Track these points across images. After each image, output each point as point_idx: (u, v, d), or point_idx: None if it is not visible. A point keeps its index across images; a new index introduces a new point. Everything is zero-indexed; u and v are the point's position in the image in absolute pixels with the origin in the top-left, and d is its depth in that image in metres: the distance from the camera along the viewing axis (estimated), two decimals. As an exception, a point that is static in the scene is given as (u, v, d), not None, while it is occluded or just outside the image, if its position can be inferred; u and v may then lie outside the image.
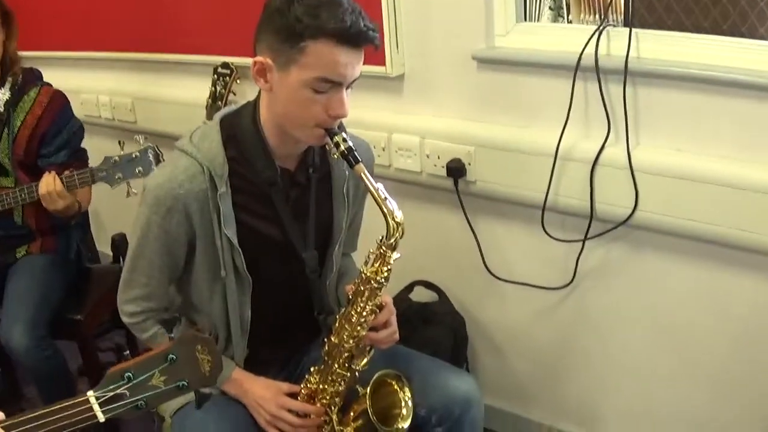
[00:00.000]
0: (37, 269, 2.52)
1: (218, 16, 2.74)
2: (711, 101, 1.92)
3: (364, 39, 1.53)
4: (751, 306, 2.02)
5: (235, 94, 2.69)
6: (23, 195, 2.34)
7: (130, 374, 1.30)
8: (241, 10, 2.54)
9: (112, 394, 1.29)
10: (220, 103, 2.67)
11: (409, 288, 2.57)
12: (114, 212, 2.78)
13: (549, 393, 2.53)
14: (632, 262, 2.18)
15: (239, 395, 1.82)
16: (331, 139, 1.60)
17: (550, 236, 2.22)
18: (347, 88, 1.59)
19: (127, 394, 1.30)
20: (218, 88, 2.69)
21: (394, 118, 2.41)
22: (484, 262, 2.40)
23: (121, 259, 2.92)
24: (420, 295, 2.56)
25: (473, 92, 2.29)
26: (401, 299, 2.52)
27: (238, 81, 2.69)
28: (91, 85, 3.32)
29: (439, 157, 2.34)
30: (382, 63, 2.30)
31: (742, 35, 2.05)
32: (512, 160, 2.23)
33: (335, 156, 1.62)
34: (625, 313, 2.26)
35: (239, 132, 1.68)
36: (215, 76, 2.72)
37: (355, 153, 1.60)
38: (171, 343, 1.33)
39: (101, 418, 1.30)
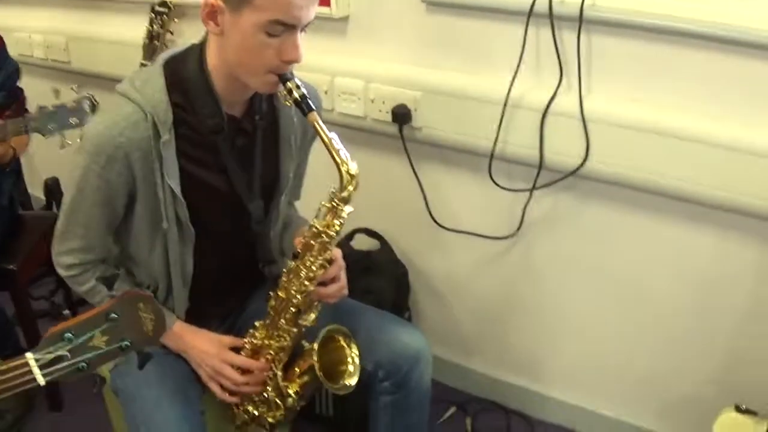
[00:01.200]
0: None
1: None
2: (667, 51, 1.91)
3: None
4: (706, 259, 2.04)
5: (172, 34, 2.58)
6: None
7: (70, 335, 1.24)
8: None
9: (52, 356, 1.23)
10: (156, 42, 2.57)
11: (350, 236, 2.53)
12: (47, 156, 2.66)
13: (493, 344, 2.54)
14: (581, 213, 2.18)
15: (180, 349, 1.77)
16: (284, 85, 1.54)
17: (497, 185, 2.21)
18: (301, 32, 1.52)
19: (68, 355, 1.24)
20: (155, 27, 2.59)
21: (337, 61, 2.34)
22: (428, 210, 2.37)
23: (55, 205, 2.82)
24: (361, 243, 2.53)
25: (421, 35, 2.23)
26: (342, 246, 2.48)
27: (175, 20, 2.58)
28: (23, 23, 3.16)
29: (384, 102, 2.29)
30: (327, 3, 2.22)
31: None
32: (460, 107, 2.19)
33: (288, 103, 1.56)
34: (572, 264, 2.27)
35: (184, 77, 1.59)
36: (152, 14, 2.60)
37: (309, 101, 1.54)
38: (112, 301, 1.27)
39: (41, 381, 1.24)
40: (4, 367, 1.22)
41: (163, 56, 1.65)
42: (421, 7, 2.19)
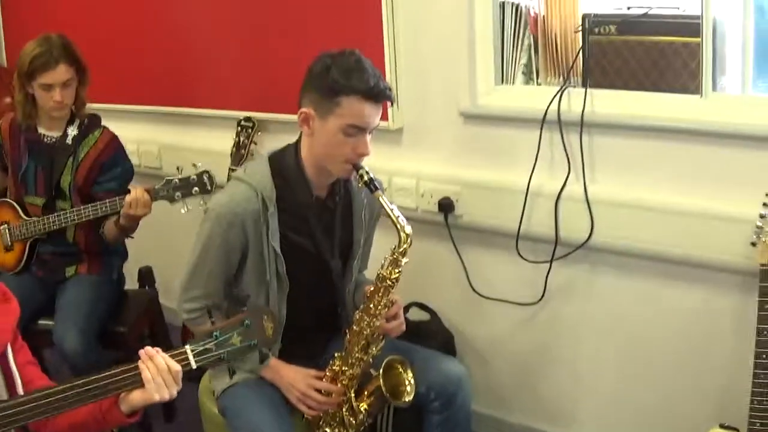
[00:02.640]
0: (86, 285, 3.00)
1: (241, 75, 3.33)
2: (652, 145, 2.52)
3: (383, 96, 2.12)
4: (693, 311, 2.58)
5: (256, 144, 3.26)
6: (104, 208, 2.79)
7: (216, 334, 1.82)
8: (261, 70, 3.15)
9: (202, 348, 1.81)
10: (243, 151, 3.24)
11: (406, 309, 3.10)
12: (141, 246, 3.27)
13: (527, 396, 3.05)
14: (592, 278, 2.75)
15: (274, 379, 2.32)
16: (357, 171, 2.17)
17: (524, 258, 2.79)
18: (369, 133, 2.16)
19: (213, 348, 1.82)
20: (241, 139, 3.26)
21: (394, 164, 2.97)
22: (470, 283, 2.95)
23: (147, 288, 3.40)
24: (414, 315, 3.10)
25: (460, 142, 2.88)
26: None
27: (259, 133, 3.27)
28: (125, 134, 3.84)
29: (432, 196, 2.91)
30: (385, 118, 2.87)
31: (675, 91, 2.65)
32: (492, 197, 2.80)
33: (360, 185, 2.19)
34: (588, 322, 2.81)
35: (284, 166, 2.24)
36: (239, 128, 3.29)
37: (375, 182, 2.17)
38: (246, 313, 1.86)
39: (194, 365, 1.81)
40: (169, 353, 1.81)
41: (266, 153, 2.30)
42: (460, 120, 2.85)
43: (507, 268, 2.89)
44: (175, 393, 1.79)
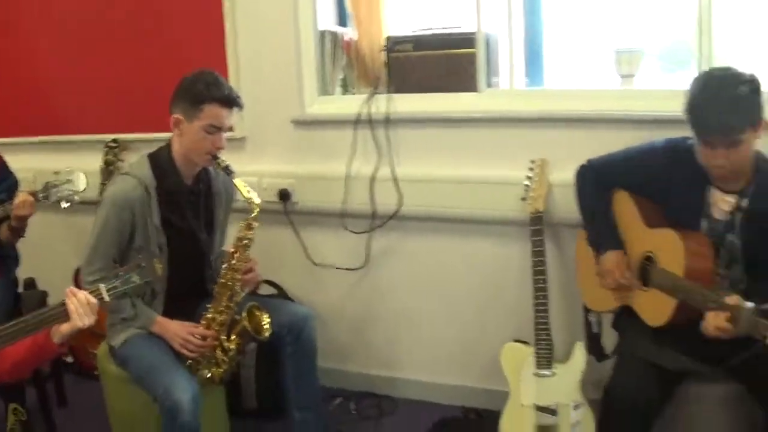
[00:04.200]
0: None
1: (104, 101, 3.97)
2: (443, 132, 3.41)
3: (235, 103, 2.88)
4: (486, 257, 3.46)
5: (122, 161, 3.93)
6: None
7: (120, 273, 2.49)
8: (122, 95, 3.85)
9: (111, 285, 2.46)
10: (111, 168, 3.89)
11: (257, 287, 3.82)
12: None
13: (361, 348, 3.82)
14: (404, 241, 3.58)
15: (161, 332, 2.93)
16: (216, 160, 2.93)
17: (350, 231, 3.59)
18: (224, 132, 2.93)
19: (119, 285, 2.44)
20: (109, 158, 3.92)
21: (240, 167, 3.52)
22: (308, 257, 3.72)
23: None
24: (265, 290, 3.81)
25: (292, 143, 3.66)
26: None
27: (124, 151, 3.95)
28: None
29: (272, 189, 3.66)
30: (232, 130, 3.62)
31: (462, 90, 3.52)
32: (320, 185, 3.60)
33: (219, 170, 2.94)
34: (405, 278, 3.63)
35: (160, 162, 2.92)
36: (106, 149, 3.94)
37: (230, 168, 2.93)
38: (141, 259, 2.56)
39: (106, 298, 2.44)
40: (88, 293, 2.46)
41: (145, 153, 3.01)
42: (291, 126, 3.65)
43: (337, 241, 3.67)
44: (93, 321, 2.42)
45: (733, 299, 2.36)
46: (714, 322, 2.37)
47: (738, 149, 2.49)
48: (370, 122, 3.47)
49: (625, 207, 2.86)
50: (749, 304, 2.29)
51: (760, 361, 2.45)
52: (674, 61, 3.52)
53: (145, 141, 3.60)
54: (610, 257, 2.82)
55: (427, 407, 3.67)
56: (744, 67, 2.50)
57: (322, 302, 3.77)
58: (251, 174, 3.61)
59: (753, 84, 2.49)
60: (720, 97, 2.48)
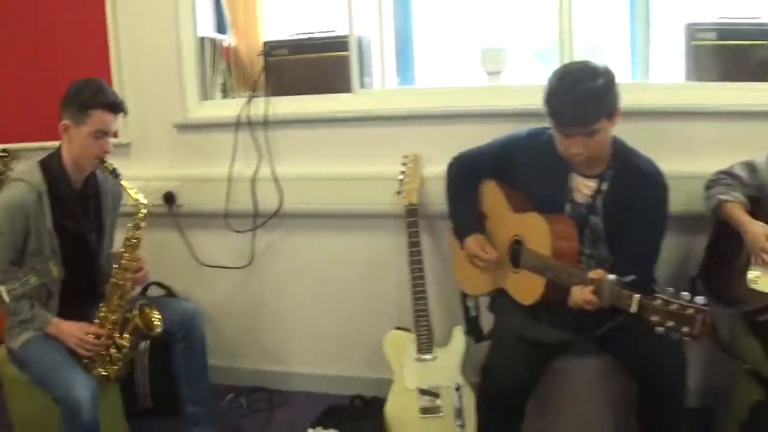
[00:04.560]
0: None
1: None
2: (321, 132, 3.86)
3: (121, 109, 3.24)
4: (366, 249, 3.91)
5: (12, 170, 4.20)
6: None
7: (20, 276, 2.87)
8: (8, 106, 4.13)
9: (12, 287, 2.84)
10: (2, 177, 4.16)
11: (146, 288, 4.17)
12: None
13: (250, 344, 4.21)
14: (287, 238, 3.99)
15: (57, 333, 3.23)
16: (103, 164, 3.29)
17: (234, 230, 4.00)
18: (110, 137, 3.29)
19: (19, 287, 2.85)
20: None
21: (126, 171, 3.88)
22: (194, 257, 4.11)
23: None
24: (154, 291, 4.15)
25: (176, 147, 4.03)
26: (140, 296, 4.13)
27: (13, 160, 4.25)
28: None
29: (157, 192, 4.02)
30: (116, 136, 3.96)
31: (338, 91, 3.95)
32: (204, 186, 3.97)
33: (106, 173, 3.30)
34: (289, 274, 4.05)
35: (51, 167, 3.25)
36: (-5, 158, 4.24)
37: (117, 171, 3.29)
38: (37, 261, 2.92)
39: (6, 299, 2.83)
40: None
41: (36, 160, 3.33)
42: (174, 130, 4.02)
43: (222, 241, 4.07)
44: None
45: (597, 273, 2.77)
46: (580, 295, 2.79)
47: (594, 138, 2.88)
48: (250, 124, 3.89)
49: (493, 195, 3.30)
50: (612, 277, 2.70)
51: (627, 330, 2.88)
52: (550, 59, 3.96)
53: (34, 150, 3.85)
54: (471, 241, 3.24)
55: (316, 398, 4.07)
56: (600, 61, 2.95)
57: (210, 301, 4.15)
58: (137, 178, 3.82)
59: (608, 76, 2.89)
60: (576, 89, 2.84)
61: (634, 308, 2.62)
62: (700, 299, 2.51)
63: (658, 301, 2.56)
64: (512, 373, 2.97)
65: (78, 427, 3.02)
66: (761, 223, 3.01)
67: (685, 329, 2.50)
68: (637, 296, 2.62)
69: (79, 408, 3.01)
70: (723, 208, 3.12)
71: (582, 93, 2.84)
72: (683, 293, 2.54)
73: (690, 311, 2.50)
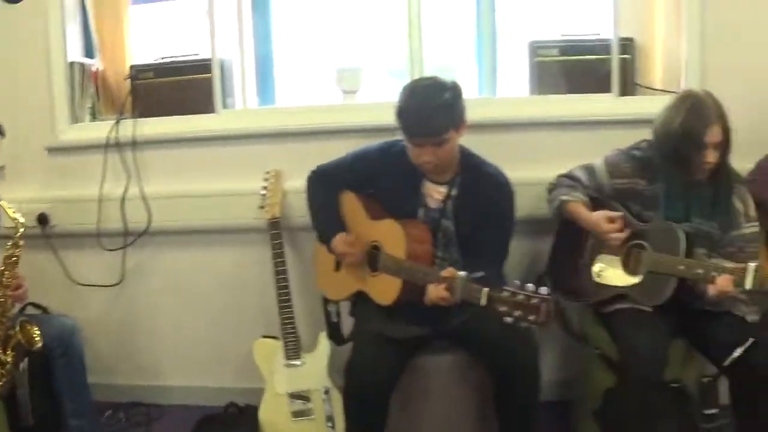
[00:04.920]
0: None
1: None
2: (188, 152, 4.36)
3: None
4: (233, 262, 4.42)
5: None
6: None
7: None
8: None
9: None
10: None
11: (23, 308, 4.49)
12: None
13: (125, 361, 4.65)
14: (157, 255, 4.47)
15: None
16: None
17: (106, 249, 4.45)
18: None
19: None
20: None
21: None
22: (68, 277, 4.54)
23: None
24: (31, 311, 4.51)
25: (48, 169, 4.47)
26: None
27: None
28: None
29: (31, 214, 4.37)
30: (-11, 158, 4.38)
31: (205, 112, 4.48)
32: (77, 207, 4.41)
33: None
34: (160, 290, 4.52)
35: None
36: None
37: (-5, 193, 3.74)
38: None
39: None
40: None
41: None
42: (45, 153, 4.46)
43: (95, 260, 4.51)
44: None
45: (448, 272, 3.19)
46: (435, 292, 3.21)
47: (444, 147, 3.35)
48: (118, 146, 4.37)
49: (351, 205, 3.72)
50: (462, 273, 3.13)
51: (480, 324, 3.25)
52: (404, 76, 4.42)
53: None
54: (337, 241, 3.61)
55: (193, 410, 4.48)
56: (448, 76, 3.45)
57: (85, 319, 4.48)
58: (11, 201, 4.08)
59: (455, 91, 3.36)
60: (425, 103, 3.30)
61: (483, 301, 3.04)
62: (543, 290, 2.92)
63: (506, 293, 2.97)
64: (373, 370, 3.37)
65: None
66: (597, 213, 3.56)
67: (532, 317, 2.92)
68: (486, 289, 3.04)
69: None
70: (565, 208, 3.66)
71: (431, 106, 3.30)
72: (528, 285, 2.94)
73: (534, 300, 2.92)
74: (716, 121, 3.30)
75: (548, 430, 4.05)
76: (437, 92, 3.37)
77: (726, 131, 3.34)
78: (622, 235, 3.53)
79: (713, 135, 3.30)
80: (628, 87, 4.30)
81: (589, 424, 3.71)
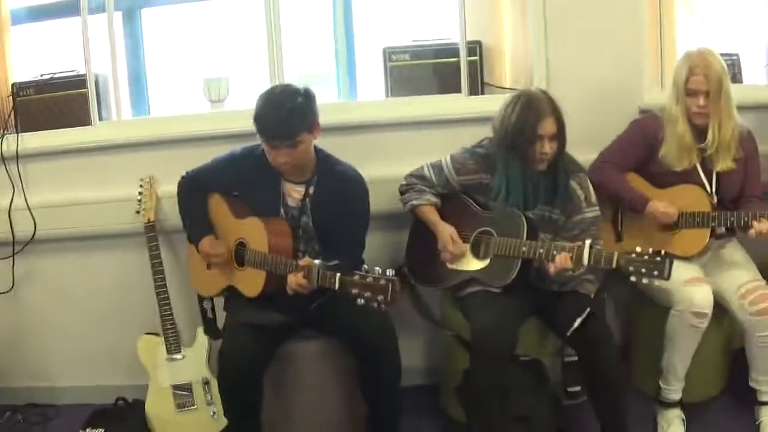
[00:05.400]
0: None
1: None
2: (68, 163, 4.56)
3: None
4: (116, 265, 4.67)
5: None
6: None
7: None
8: None
9: None
10: None
11: None
12: None
13: (17, 364, 4.85)
14: (45, 262, 4.68)
15: None
16: None
17: (-8, 258, 4.67)
18: None
19: None
20: None
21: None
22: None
23: None
24: None
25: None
26: None
27: None
28: None
29: None
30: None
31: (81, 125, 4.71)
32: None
33: None
34: (51, 296, 4.73)
35: None
36: None
37: None
38: None
39: None
40: None
41: None
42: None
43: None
44: None
45: (305, 261, 3.49)
46: (294, 280, 3.50)
47: (298, 148, 3.60)
48: (3, 159, 4.57)
49: (218, 206, 4.00)
50: (317, 261, 3.44)
51: (338, 309, 3.64)
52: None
53: None
54: (204, 243, 3.90)
55: (86, 408, 4.67)
56: (300, 83, 3.74)
57: None
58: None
59: (308, 96, 3.62)
60: (279, 108, 3.54)
61: (337, 285, 3.35)
62: (389, 272, 3.23)
63: (356, 277, 3.28)
64: (242, 356, 3.64)
65: None
66: (447, 226, 3.93)
67: (380, 297, 3.23)
68: (338, 274, 3.34)
69: None
70: (416, 211, 4.01)
71: (284, 111, 3.55)
72: (376, 268, 3.26)
73: (382, 282, 3.22)
74: (549, 114, 3.62)
75: (419, 410, 4.42)
76: (290, 97, 3.61)
77: (560, 123, 3.65)
78: (458, 253, 3.90)
79: (546, 127, 3.61)
80: (478, 87, 4.65)
81: (453, 401, 4.05)
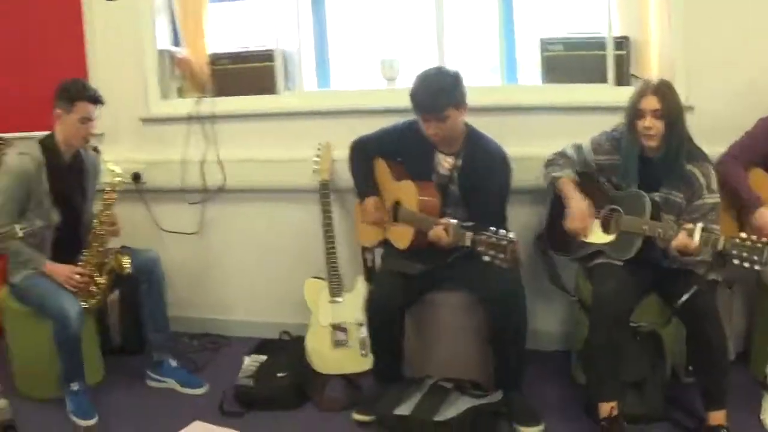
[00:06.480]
0: None
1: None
2: (255, 126, 5.22)
3: (99, 101, 4.54)
4: (293, 216, 5.26)
5: (6, 155, 5.51)
6: None
7: (29, 216, 4.24)
8: (9, 102, 5.47)
9: (21, 227, 4.21)
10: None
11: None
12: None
13: (200, 296, 5.53)
14: (230, 210, 5.34)
15: (50, 272, 4.48)
16: (87, 142, 4.65)
17: (188, 203, 5.37)
18: (93, 121, 4.65)
19: (27, 225, 4.21)
20: (-4, 152, 5.52)
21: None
22: (156, 225, 5.45)
23: None
24: (122, 254, 5.54)
25: (141, 136, 5.38)
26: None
27: (7, 148, 5.54)
28: None
29: (127, 172, 5.30)
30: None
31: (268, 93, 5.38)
32: (164, 168, 5.30)
33: (89, 150, 4.67)
34: (232, 239, 5.39)
35: (47, 145, 4.55)
36: (-6, 145, 5.54)
37: (98, 148, 4.67)
38: (40, 212, 4.29)
39: (20, 234, 4.17)
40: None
41: (36, 138, 4.67)
42: (140, 123, 5.37)
43: (178, 212, 5.40)
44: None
45: (445, 220, 3.92)
46: (435, 231, 3.92)
47: (446, 123, 3.99)
48: (199, 119, 5.24)
49: (381, 169, 4.49)
50: (455, 221, 3.87)
51: (473, 267, 3.88)
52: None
53: (23, 138, 5.08)
54: (369, 201, 4.43)
55: (254, 341, 5.23)
56: (455, 66, 4.12)
57: (168, 261, 5.21)
58: (111, 161, 5.13)
59: (456, 77, 4.01)
60: (430, 86, 3.96)
61: (467, 242, 3.75)
62: (511, 234, 3.59)
63: (483, 236, 3.66)
64: (387, 295, 4.15)
65: (66, 337, 4.24)
66: (580, 201, 4.11)
67: (501, 255, 3.58)
68: (470, 233, 3.75)
69: (69, 321, 4.24)
70: (556, 184, 4.31)
71: (434, 88, 3.97)
72: (501, 231, 3.60)
73: (503, 242, 3.57)
74: (651, 92, 3.86)
75: (551, 375, 4.72)
76: (441, 78, 4.05)
77: (666, 103, 3.82)
78: (577, 229, 4.17)
79: (647, 102, 3.82)
80: (624, 78, 4.95)
81: (578, 366, 4.46)
